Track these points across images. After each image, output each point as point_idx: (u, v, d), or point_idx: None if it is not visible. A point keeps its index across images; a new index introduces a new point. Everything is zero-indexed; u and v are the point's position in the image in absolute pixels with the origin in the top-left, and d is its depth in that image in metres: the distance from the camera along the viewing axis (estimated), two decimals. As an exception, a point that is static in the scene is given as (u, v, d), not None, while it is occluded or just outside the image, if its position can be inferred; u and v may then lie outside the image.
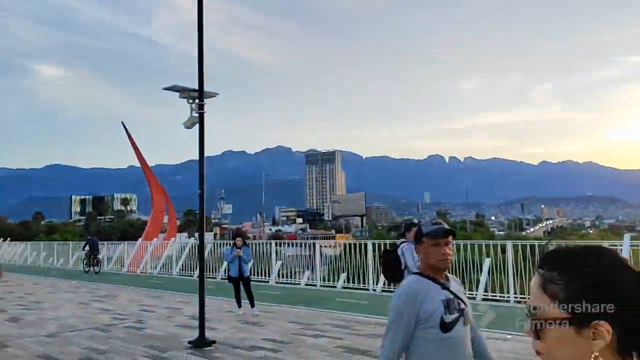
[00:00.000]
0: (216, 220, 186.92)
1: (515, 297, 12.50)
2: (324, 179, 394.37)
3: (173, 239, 33.18)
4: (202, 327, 8.33)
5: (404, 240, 7.37)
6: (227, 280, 11.97)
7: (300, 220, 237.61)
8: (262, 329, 9.62)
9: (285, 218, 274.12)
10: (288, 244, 23.65)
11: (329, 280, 17.51)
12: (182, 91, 8.67)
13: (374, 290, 15.29)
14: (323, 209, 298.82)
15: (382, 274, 8.00)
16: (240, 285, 11.47)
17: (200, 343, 8.12)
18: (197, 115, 8.60)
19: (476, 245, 14.15)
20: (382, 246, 15.69)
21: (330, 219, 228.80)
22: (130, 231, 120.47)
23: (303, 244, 21.42)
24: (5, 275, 22.91)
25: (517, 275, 12.76)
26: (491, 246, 14.10)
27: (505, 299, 12.61)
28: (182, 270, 23.70)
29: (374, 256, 15.71)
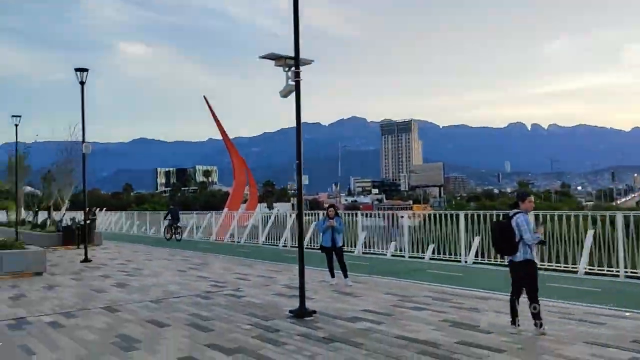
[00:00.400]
0: (292, 192, 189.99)
1: (626, 272, 11.61)
2: (399, 149, 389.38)
3: (256, 208, 33.92)
4: (302, 297, 8.28)
5: (518, 210, 6.88)
6: (319, 251, 11.90)
7: (375, 191, 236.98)
8: (358, 299, 9.49)
9: (360, 189, 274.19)
10: (366, 215, 23.41)
11: (413, 252, 17.18)
12: (278, 59, 8.50)
13: (466, 262, 14.81)
14: (399, 180, 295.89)
15: (493, 246, 7.53)
16: (333, 256, 11.38)
17: (301, 313, 8.09)
18: (293, 83, 8.42)
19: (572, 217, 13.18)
20: (475, 217, 15.11)
21: (407, 189, 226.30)
22: (213, 202, 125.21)
23: (384, 215, 21.07)
24: (104, 243, 24.35)
25: (628, 248, 11.83)
26: (589, 217, 13.16)
27: (614, 273, 11.75)
28: (267, 240, 24.19)
29: (466, 227, 15.17)
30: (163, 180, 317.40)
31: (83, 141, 17.16)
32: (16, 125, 25.16)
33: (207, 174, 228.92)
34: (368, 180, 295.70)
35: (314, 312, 8.24)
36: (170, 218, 27.49)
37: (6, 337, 7.40)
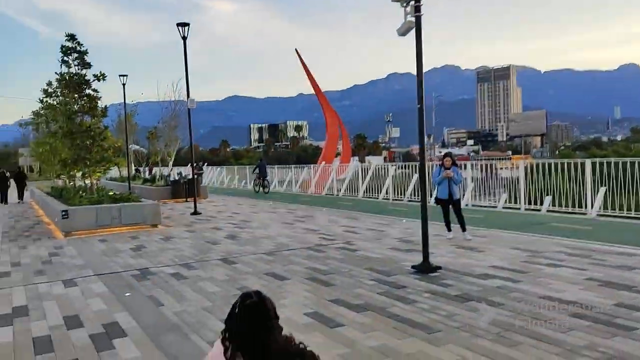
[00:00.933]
0: (383, 145, 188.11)
1: None
2: (497, 97, 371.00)
3: (355, 161, 33.54)
4: (426, 251, 7.76)
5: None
6: (434, 204, 11.24)
7: (470, 142, 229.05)
8: (483, 255, 8.81)
9: (454, 140, 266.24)
10: (464, 166, 22.30)
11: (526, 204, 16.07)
12: (396, -7, 7.72)
13: (590, 214, 13.53)
14: (496, 130, 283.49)
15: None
16: (449, 208, 10.69)
17: (425, 268, 7.58)
18: (412, 19, 7.64)
19: None
20: (605, 165, 13.69)
21: (504, 139, 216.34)
22: (304, 156, 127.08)
23: (486, 166, 19.88)
24: (209, 196, 25.11)
25: None
26: None
27: None
28: (366, 193, 23.82)
29: (593, 177, 13.80)
30: (256, 136, 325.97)
31: (188, 96, 17.40)
32: (124, 85, 26.24)
33: (298, 129, 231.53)
34: (463, 131, 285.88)
35: (439, 267, 7.70)
36: (258, 172, 28.41)
37: (134, 288, 7.56)
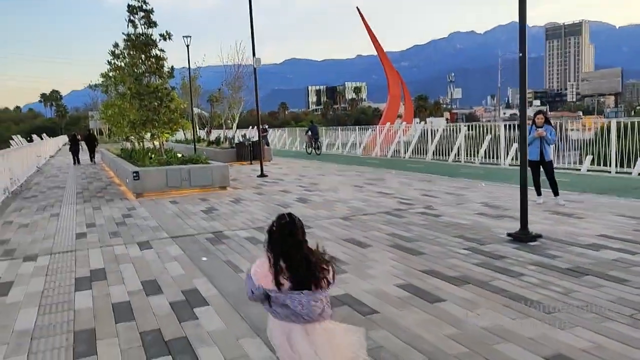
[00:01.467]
0: (445, 105, 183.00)
1: None
2: (566, 55, 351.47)
3: (423, 122, 32.42)
4: (524, 218, 7.00)
5: None
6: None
7: (537, 102, 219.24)
8: (585, 222, 7.94)
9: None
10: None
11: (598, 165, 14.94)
12: None
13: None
14: (565, 90, 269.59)
15: None
16: (540, 170, 9.79)
17: (524, 236, 6.85)
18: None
19: None
20: None
21: (574, 99, 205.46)
22: (363, 118, 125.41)
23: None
24: (273, 159, 24.90)
25: None
26: None
27: None
28: (435, 155, 22.94)
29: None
30: (314, 99, 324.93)
31: (253, 55, 16.92)
32: (187, 46, 26.09)
33: (357, 90, 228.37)
34: (529, 91, 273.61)
35: (539, 236, 6.94)
36: (310, 134, 29.98)
37: (210, 252, 7.26)
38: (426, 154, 23.39)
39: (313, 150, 29.19)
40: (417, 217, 8.96)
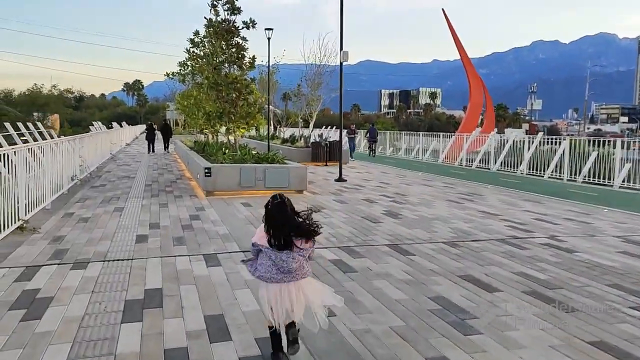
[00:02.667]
0: (522, 117, 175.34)
1: None
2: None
3: (501, 134, 30.04)
4: None
5: None
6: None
7: (624, 119, 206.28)
8: None
9: (605, 116, 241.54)
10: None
11: None
12: None
13: None
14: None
15: None
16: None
17: None
18: None
19: None
20: None
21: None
22: (437, 124, 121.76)
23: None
24: (349, 162, 23.38)
25: None
26: None
27: None
28: (532, 169, 20.69)
29: None
30: (386, 102, 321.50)
31: (341, 48, 15.48)
32: (269, 39, 25.10)
33: (432, 95, 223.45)
34: (615, 107, 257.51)
35: None
36: (368, 136, 31.02)
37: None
38: (516, 167, 21.13)
39: (370, 152, 30.19)
40: (544, 251, 7.16)
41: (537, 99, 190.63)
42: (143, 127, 53.51)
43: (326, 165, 21.49)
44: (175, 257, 6.68)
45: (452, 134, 29.83)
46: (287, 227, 3.55)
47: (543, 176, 19.42)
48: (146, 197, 11.94)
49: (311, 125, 25.16)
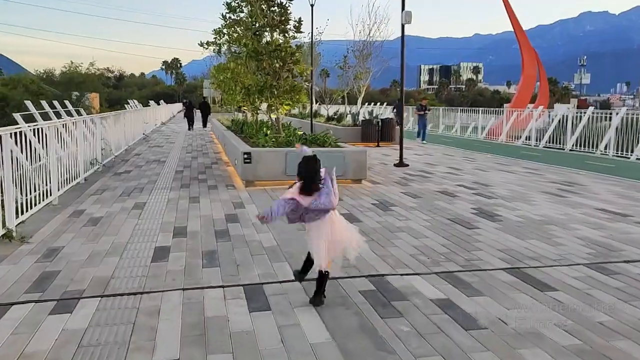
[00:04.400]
0: (570, 92, 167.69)
1: None
2: None
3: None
4: None
5: None
6: None
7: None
8: None
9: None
10: None
11: None
12: None
13: None
14: None
15: None
16: None
17: None
18: None
19: None
20: None
21: None
22: (480, 100, 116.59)
23: None
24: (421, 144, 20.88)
25: None
26: None
27: None
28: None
29: None
30: (426, 78, 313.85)
31: (403, 8, 13.02)
32: (312, 5, 22.69)
33: (476, 70, 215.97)
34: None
35: None
36: (395, 111, 26.09)
37: (378, 329, 3.67)
38: (593, 146, 18.28)
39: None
40: None
41: (586, 73, 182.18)
42: (180, 105, 51.96)
43: (378, 145, 19.16)
44: (203, 289, 4.62)
45: (514, 110, 26.96)
46: (312, 179, 4.11)
47: (630, 157, 16.67)
48: (175, 187, 9.95)
49: (359, 101, 22.74)
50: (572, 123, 20.17)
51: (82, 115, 17.02)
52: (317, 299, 4.28)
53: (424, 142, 20.96)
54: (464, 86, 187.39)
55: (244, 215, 7.57)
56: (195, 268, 5.20)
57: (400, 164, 13.31)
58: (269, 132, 12.55)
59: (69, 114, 20.65)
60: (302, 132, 12.90)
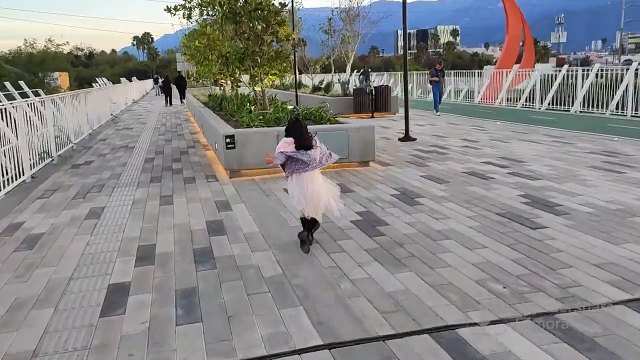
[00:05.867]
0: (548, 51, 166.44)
1: None
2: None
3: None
4: None
5: None
6: None
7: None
8: None
9: (633, 46, 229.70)
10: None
11: None
12: None
13: None
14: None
15: None
16: None
17: None
18: None
19: None
20: None
21: None
22: (460, 63, 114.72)
23: None
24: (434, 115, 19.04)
25: None
26: None
27: None
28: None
29: None
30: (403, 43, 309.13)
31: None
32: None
33: (454, 33, 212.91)
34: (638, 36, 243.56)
35: None
36: (362, 77, 23.92)
37: None
38: (603, 107, 16.73)
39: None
40: None
41: (563, 32, 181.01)
42: (151, 82, 49.13)
43: (372, 117, 17.37)
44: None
45: (507, 70, 25.28)
46: (302, 137, 4.68)
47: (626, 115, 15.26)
48: (143, 183, 8.11)
49: (348, 68, 20.74)
50: (578, 83, 18.58)
51: (40, 96, 14.84)
52: (305, 247, 4.73)
53: (438, 113, 18.03)
54: (441, 50, 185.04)
55: (231, 222, 5.80)
56: (166, 327, 3.44)
57: (407, 137, 11.57)
58: (253, 108, 10.67)
59: (23, 95, 18.39)
60: (292, 107, 11.04)
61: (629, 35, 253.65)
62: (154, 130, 16.03)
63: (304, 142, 4.63)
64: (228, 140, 8.06)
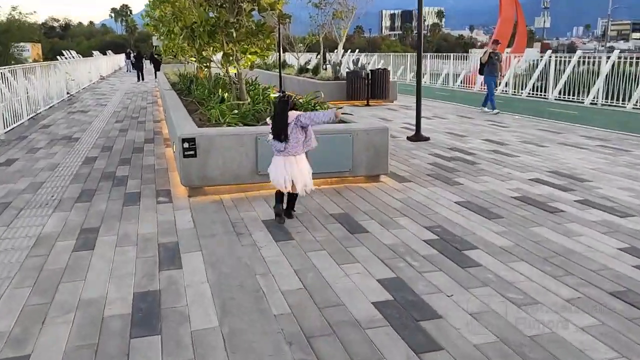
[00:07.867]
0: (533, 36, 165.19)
1: None
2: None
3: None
4: None
5: None
6: None
7: (636, 35, 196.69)
8: None
9: (615, 32, 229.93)
10: None
11: None
12: None
13: None
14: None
15: None
16: None
17: None
18: None
19: None
20: None
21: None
22: (445, 46, 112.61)
23: None
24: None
25: None
26: None
27: None
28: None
29: None
30: (388, 24, 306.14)
31: None
32: None
33: (440, 15, 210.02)
34: (627, 22, 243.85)
35: None
36: None
37: None
38: (623, 99, 14.69)
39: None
40: None
41: (548, 16, 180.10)
42: (123, 57, 45.89)
43: (367, 104, 15.10)
44: None
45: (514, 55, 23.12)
46: (280, 119, 4.69)
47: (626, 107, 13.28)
48: (66, 202, 5.77)
49: (340, 46, 18.28)
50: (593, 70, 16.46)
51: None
52: (288, 212, 5.03)
53: (495, 111, 13.33)
54: (426, 32, 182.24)
55: (175, 297, 3.52)
56: None
57: (418, 136, 9.34)
58: (226, 95, 8.31)
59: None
60: (279, 92, 8.69)
61: (612, 23, 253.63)
62: (111, 115, 13.56)
63: (276, 131, 4.67)
64: (186, 145, 5.73)
